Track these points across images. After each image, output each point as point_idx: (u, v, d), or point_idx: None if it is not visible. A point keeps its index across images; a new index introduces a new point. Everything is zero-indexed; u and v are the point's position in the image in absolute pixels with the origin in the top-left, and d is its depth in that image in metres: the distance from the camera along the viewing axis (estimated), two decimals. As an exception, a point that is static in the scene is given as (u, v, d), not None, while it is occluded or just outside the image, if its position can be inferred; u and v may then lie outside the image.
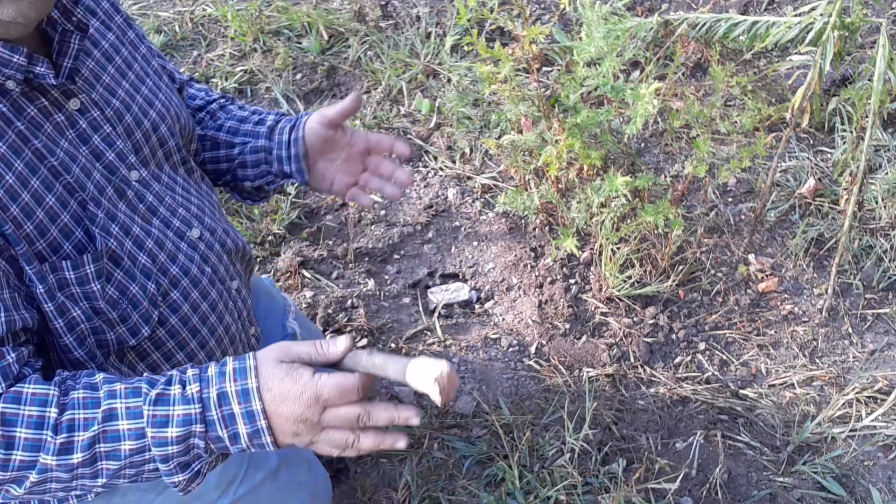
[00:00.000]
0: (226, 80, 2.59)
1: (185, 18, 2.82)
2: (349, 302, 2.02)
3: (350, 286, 2.07)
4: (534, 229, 2.16)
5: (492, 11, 1.85)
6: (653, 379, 1.86)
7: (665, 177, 2.26)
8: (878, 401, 1.80)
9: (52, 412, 0.86)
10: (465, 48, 2.28)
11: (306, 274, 2.09)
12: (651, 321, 1.96)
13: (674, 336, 1.95)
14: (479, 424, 1.78)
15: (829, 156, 2.32)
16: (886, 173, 2.21)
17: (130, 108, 1.08)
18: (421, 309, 2.03)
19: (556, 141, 1.80)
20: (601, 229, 1.90)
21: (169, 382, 0.90)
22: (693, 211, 2.20)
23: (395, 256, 2.15)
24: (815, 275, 2.07)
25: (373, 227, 2.20)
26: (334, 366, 0.93)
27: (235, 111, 1.36)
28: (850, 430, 1.75)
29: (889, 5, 2.68)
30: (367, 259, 2.14)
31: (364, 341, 1.94)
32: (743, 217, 2.19)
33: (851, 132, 2.27)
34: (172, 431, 0.87)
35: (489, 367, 1.90)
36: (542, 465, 1.70)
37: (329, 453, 0.93)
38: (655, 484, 1.65)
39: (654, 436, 1.74)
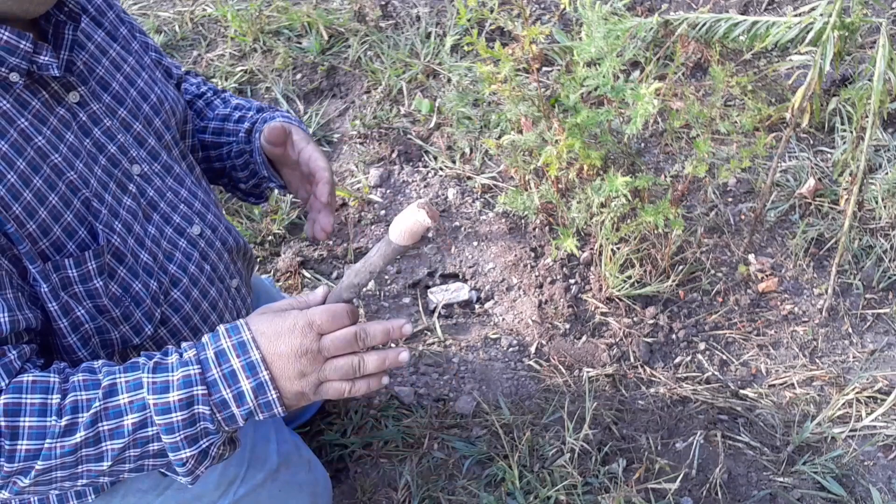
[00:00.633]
0: (226, 80, 2.59)
1: (185, 18, 2.82)
2: (349, 302, 2.02)
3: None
4: (534, 229, 2.16)
5: (492, 11, 1.85)
6: (653, 379, 1.86)
7: (665, 177, 2.26)
8: (878, 401, 1.80)
9: (55, 398, 0.86)
10: (465, 48, 2.28)
11: (306, 274, 2.09)
12: (651, 321, 1.96)
13: (674, 336, 1.95)
14: (479, 424, 1.78)
15: (829, 156, 2.31)
16: (886, 173, 2.21)
17: (125, 102, 1.07)
18: (421, 309, 2.03)
19: (556, 141, 1.80)
20: (601, 229, 1.90)
21: (166, 353, 0.91)
22: (693, 211, 2.20)
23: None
24: (815, 275, 2.07)
25: (373, 227, 2.20)
26: None
27: (219, 108, 1.35)
28: (850, 430, 1.75)
29: (889, 5, 2.68)
30: (367, 259, 2.14)
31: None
32: (743, 217, 2.19)
33: (851, 132, 2.27)
34: (174, 396, 0.86)
35: (489, 367, 1.90)
36: (542, 465, 1.70)
37: (340, 392, 0.93)
38: (655, 484, 1.65)
39: (654, 436, 1.74)
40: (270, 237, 2.17)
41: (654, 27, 1.94)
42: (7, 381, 0.86)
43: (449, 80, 2.55)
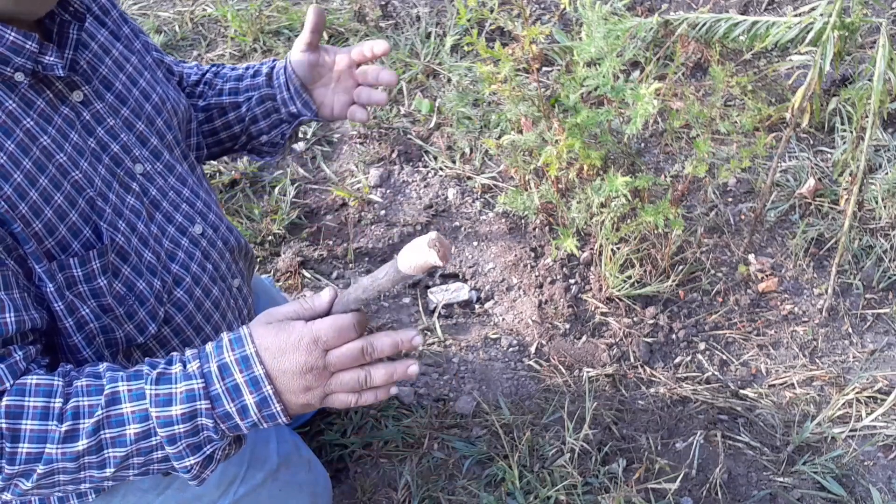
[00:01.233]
0: (226, 80, 2.59)
1: (185, 18, 2.82)
2: (349, 302, 2.02)
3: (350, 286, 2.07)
4: (534, 229, 2.16)
5: (492, 11, 1.85)
6: (653, 379, 1.86)
7: (665, 177, 2.26)
8: (878, 401, 1.80)
9: (57, 402, 0.85)
10: (465, 48, 2.28)
11: (306, 274, 2.09)
12: (651, 321, 1.96)
13: (674, 336, 1.95)
14: (479, 424, 1.78)
15: (829, 156, 2.32)
16: (886, 173, 2.21)
17: (127, 101, 1.08)
18: (421, 309, 2.03)
19: (556, 141, 1.80)
20: (601, 229, 1.90)
21: (170, 363, 0.89)
22: (693, 211, 2.20)
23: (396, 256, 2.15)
24: (815, 275, 2.07)
25: (373, 227, 2.20)
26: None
27: (229, 73, 1.39)
28: (850, 430, 1.75)
29: (889, 5, 2.68)
30: (367, 259, 2.14)
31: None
32: (743, 217, 2.19)
33: (851, 132, 2.27)
34: (176, 409, 0.85)
35: (489, 367, 1.90)
36: (542, 465, 1.70)
37: (347, 403, 0.91)
38: (655, 484, 1.65)
39: (654, 436, 1.74)
40: (270, 237, 2.17)
41: (654, 27, 1.95)
42: (11, 382, 0.85)
43: (449, 80, 2.55)
